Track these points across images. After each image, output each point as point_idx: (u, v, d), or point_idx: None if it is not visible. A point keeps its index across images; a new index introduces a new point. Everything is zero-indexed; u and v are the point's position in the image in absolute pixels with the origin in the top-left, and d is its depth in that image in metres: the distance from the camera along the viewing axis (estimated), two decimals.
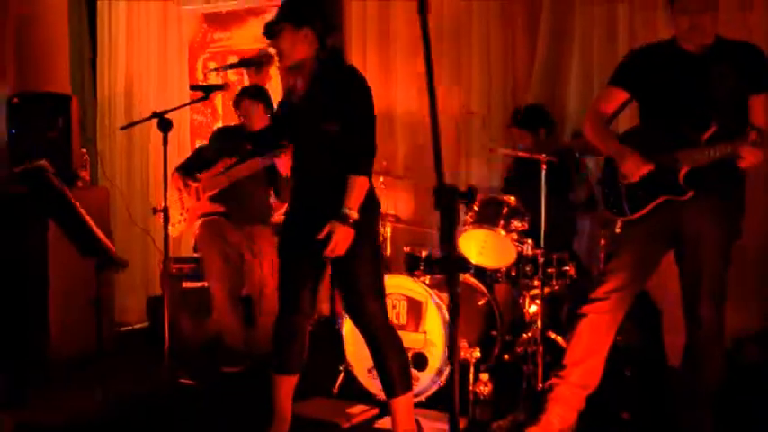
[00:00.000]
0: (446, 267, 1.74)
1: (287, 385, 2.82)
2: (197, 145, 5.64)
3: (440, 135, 1.78)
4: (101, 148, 5.63)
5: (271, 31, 2.70)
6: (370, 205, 2.75)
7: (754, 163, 2.63)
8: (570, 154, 3.79)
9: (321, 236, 2.59)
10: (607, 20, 4.51)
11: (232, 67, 3.46)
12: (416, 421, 2.84)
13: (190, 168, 4.26)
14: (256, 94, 4.23)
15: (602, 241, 3.87)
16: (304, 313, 2.77)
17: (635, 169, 2.82)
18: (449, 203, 1.71)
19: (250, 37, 5.51)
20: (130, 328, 5.35)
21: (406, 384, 2.72)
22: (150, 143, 5.77)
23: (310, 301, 2.77)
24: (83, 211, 2.29)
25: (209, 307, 4.60)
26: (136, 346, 4.85)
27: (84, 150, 4.62)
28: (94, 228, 2.30)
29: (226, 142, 4.26)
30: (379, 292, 2.70)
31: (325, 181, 2.68)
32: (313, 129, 2.67)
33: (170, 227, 4.18)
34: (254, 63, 3.82)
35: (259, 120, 4.15)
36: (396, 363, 2.69)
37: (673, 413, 2.99)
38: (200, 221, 4.23)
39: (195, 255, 4.88)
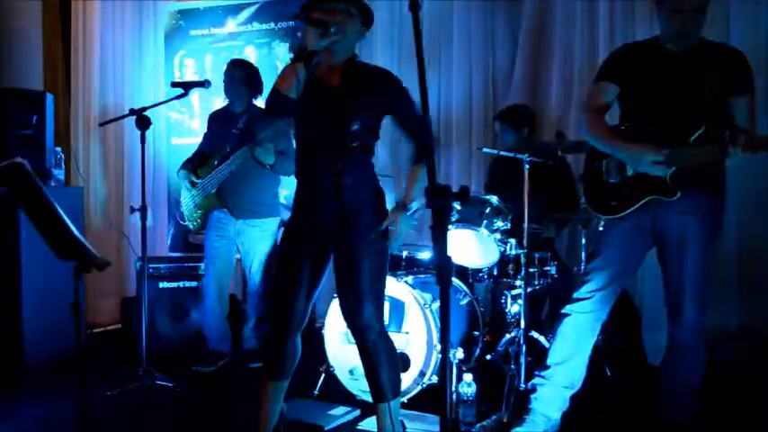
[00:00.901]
0: (440, 269, 1.70)
1: (275, 391, 2.77)
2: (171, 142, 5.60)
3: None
4: (74, 147, 5.52)
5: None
6: (383, 205, 2.68)
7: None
8: (553, 152, 3.78)
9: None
10: (588, 20, 4.53)
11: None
12: (401, 423, 2.81)
13: (191, 164, 4.16)
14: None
15: (584, 240, 3.87)
16: (298, 319, 2.70)
17: (655, 157, 2.73)
18: (442, 203, 1.68)
19: (227, 34, 5.46)
20: (102, 329, 5.26)
21: (396, 390, 2.68)
22: (125, 141, 5.68)
23: (306, 308, 2.69)
24: (61, 213, 2.21)
25: (185, 308, 4.55)
26: (108, 348, 4.76)
27: (59, 149, 4.52)
28: (73, 230, 2.22)
29: (216, 128, 4.16)
30: (379, 298, 2.64)
31: (338, 182, 2.56)
32: (339, 126, 2.55)
33: (189, 224, 4.14)
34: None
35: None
36: (387, 369, 2.63)
37: (654, 413, 2.99)
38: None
39: (172, 255, 4.83)
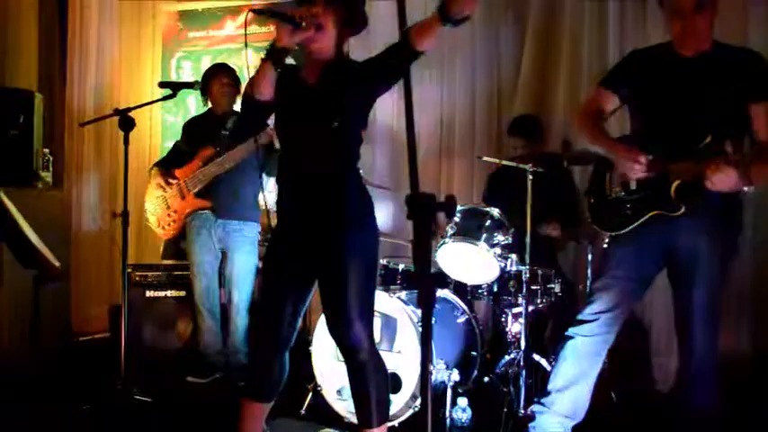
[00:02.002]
0: (420, 284, 1.51)
1: (258, 412, 2.58)
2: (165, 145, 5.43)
3: (415, 140, 1.59)
4: (68, 149, 5.36)
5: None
6: (370, 211, 2.49)
7: (720, 187, 2.43)
8: (558, 163, 3.59)
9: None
10: (597, 26, 4.34)
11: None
12: None
13: (167, 165, 4.00)
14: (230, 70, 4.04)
15: (590, 256, 3.67)
16: (284, 336, 2.51)
17: (632, 159, 2.61)
18: (423, 213, 1.49)
19: (225, 37, 5.31)
20: (90, 338, 5.08)
21: (384, 414, 2.48)
22: (119, 144, 5.49)
23: (293, 324, 2.51)
24: (18, 219, 2.03)
25: (173, 317, 4.37)
26: (94, 358, 4.57)
27: (47, 150, 4.36)
28: (30, 236, 2.04)
29: (199, 131, 4.00)
30: (369, 315, 2.44)
31: (324, 183, 2.41)
32: (315, 128, 2.39)
33: (160, 230, 3.96)
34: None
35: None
36: (375, 391, 2.43)
37: None
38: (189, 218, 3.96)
39: (162, 262, 4.66)
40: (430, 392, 1.54)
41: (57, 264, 2.07)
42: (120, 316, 4.65)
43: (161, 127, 5.49)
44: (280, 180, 2.52)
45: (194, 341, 4.12)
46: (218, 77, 3.97)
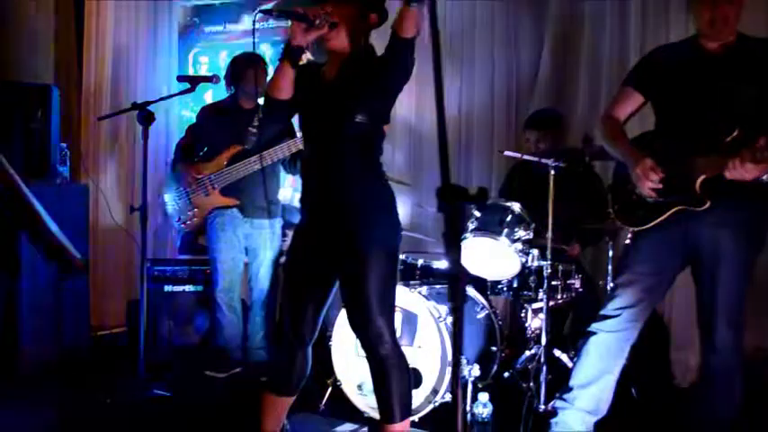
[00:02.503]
0: (451, 280, 1.49)
1: (280, 406, 2.58)
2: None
3: (446, 131, 1.56)
4: (84, 143, 5.37)
5: None
6: (392, 207, 2.48)
7: (744, 177, 2.42)
8: (580, 158, 3.55)
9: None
10: (618, 18, 4.29)
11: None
12: None
13: (189, 159, 3.94)
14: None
15: (611, 252, 3.64)
16: (308, 330, 2.51)
17: (644, 175, 2.61)
18: (455, 205, 1.47)
19: (242, 31, 5.31)
20: (107, 332, 5.09)
21: (406, 410, 2.47)
22: (136, 138, 5.52)
23: (316, 319, 2.51)
24: (41, 210, 2.02)
25: (191, 311, 4.38)
26: (112, 353, 4.58)
27: (65, 144, 4.36)
28: (54, 230, 2.03)
29: (224, 123, 3.92)
30: (390, 310, 2.43)
31: (347, 179, 2.40)
32: (334, 124, 2.38)
33: (178, 224, 3.93)
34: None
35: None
36: (398, 387, 2.42)
37: None
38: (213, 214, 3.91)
39: (180, 257, 4.66)
40: (459, 390, 1.52)
41: (79, 256, 2.06)
42: (137, 311, 4.72)
43: (177, 122, 5.48)
44: (304, 176, 2.52)
45: (212, 336, 4.12)
46: (255, 66, 3.87)
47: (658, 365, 3.93)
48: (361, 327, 2.43)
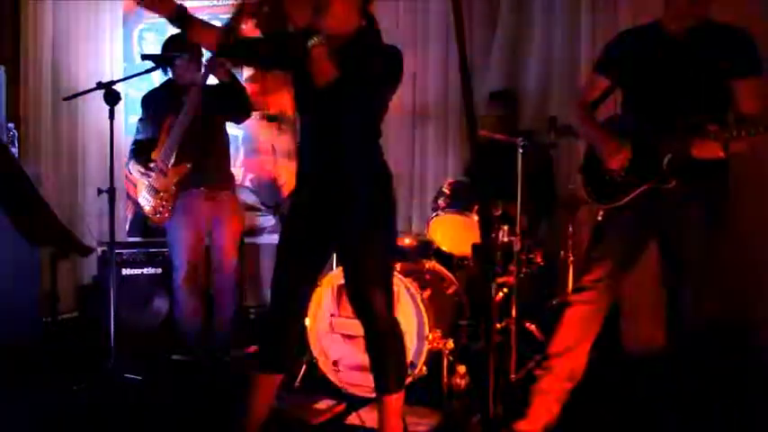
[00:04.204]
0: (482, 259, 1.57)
1: (269, 384, 2.60)
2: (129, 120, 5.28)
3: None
4: (25, 124, 5.15)
5: None
6: (388, 183, 2.49)
7: (702, 156, 2.61)
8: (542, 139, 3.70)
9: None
10: (569, 7, 4.44)
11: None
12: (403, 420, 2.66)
13: (143, 155, 3.83)
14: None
15: (570, 228, 3.80)
16: (298, 311, 2.55)
17: (612, 155, 2.76)
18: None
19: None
20: (50, 318, 4.93)
21: (401, 382, 2.54)
22: (79, 117, 5.35)
23: (306, 299, 2.55)
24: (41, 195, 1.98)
25: (149, 295, 4.30)
26: (66, 338, 4.45)
27: (12, 125, 4.20)
28: (53, 212, 2.00)
29: (161, 104, 3.84)
30: (389, 285, 2.49)
31: (337, 165, 2.42)
32: (333, 108, 2.36)
33: (157, 217, 3.80)
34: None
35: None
36: (394, 359, 2.50)
37: (651, 401, 2.94)
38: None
39: (139, 240, 4.57)
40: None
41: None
42: (89, 295, 4.61)
43: (124, 101, 5.31)
44: (301, 149, 2.54)
45: (173, 319, 4.05)
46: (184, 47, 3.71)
47: (609, 335, 4.14)
48: (359, 300, 2.48)
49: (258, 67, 3.95)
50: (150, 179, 3.76)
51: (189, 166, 3.71)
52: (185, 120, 3.63)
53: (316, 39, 2.24)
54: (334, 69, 2.26)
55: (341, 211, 2.43)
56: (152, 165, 3.75)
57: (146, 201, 3.79)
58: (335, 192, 2.44)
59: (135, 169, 3.83)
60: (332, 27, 2.34)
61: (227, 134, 3.98)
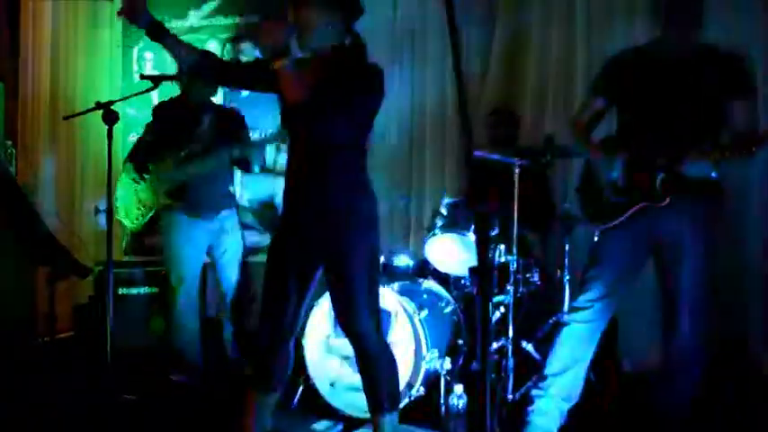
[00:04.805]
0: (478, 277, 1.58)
1: (263, 404, 2.59)
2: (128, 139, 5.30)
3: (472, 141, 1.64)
4: (21, 142, 5.16)
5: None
6: (368, 201, 2.50)
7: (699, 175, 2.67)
8: (542, 157, 3.71)
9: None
10: (565, 21, 4.48)
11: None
12: None
13: (141, 158, 3.82)
14: None
15: (567, 247, 3.80)
16: (289, 326, 2.54)
17: (610, 161, 2.81)
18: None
19: (189, 27, 5.23)
20: (48, 338, 4.90)
21: (395, 402, 2.54)
22: (77, 136, 5.36)
23: (296, 316, 2.54)
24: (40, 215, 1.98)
25: (144, 314, 4.29)
26: (63, 358, 4.43)
27: (10, 142, 4.20)
28: (51, 233, 2.00)
29: (173, 120, 3.82)
30: (376, 305, 2.49)
31: (320, 187, 2.44)
32: (312, 128, 2.40)
33: (127, 221, 3.79)
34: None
35: None
36: (387, 381, 2.49)
37: (649, 419, 2.93)
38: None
39: (134, 259, 4.57)
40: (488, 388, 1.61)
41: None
42: (85, 314, 4.59)
43: (123, 120, 5.34)
44: (286, 176, 2.55)
45: (170, 339, 4.04)
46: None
47: (608, 352, 4.14)
48: (347, 320, 2.48)
49: (231, 86, 3.98)
50: (138, 186, 3.75)
51: (179, 204, 3.72)
52: (208, 167, 3.66)
53: (283, 60, 2.30)
54: (301, 90, 2.31)
55: (320, 227, 2.44)
56: (146, 176, 3.74)
57: (122, 199, 3.77)
58: (318, 220, 2.44)
59: (130, 170, 3.81)
60: (307, 47, 2.39)
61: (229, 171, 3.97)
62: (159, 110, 3.96)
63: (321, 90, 2.35)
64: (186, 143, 3.73)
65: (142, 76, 3.65)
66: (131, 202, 3.78)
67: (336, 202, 2.42)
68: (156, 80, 3.55)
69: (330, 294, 2.54)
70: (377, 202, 2.54)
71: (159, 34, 2.41)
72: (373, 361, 2.49)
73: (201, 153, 3.69)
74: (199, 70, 2.61)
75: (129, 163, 3.87)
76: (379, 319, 2.52)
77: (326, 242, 2.45)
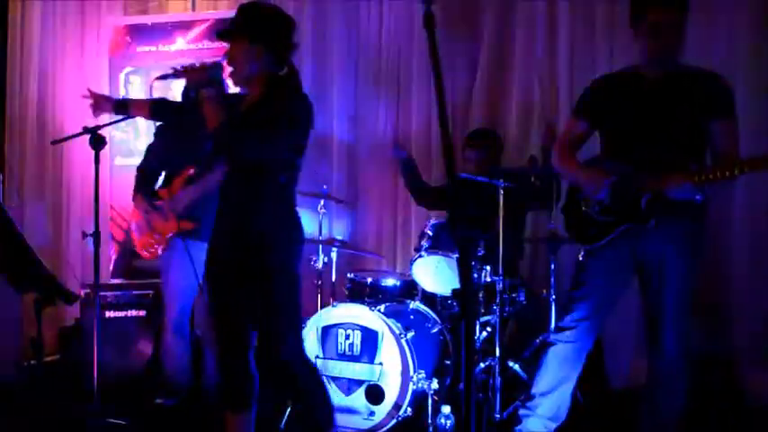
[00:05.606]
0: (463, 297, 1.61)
1: (241, 423, 2.59)
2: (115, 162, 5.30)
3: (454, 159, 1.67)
4: (9, 166, 5.18)
5: (223, 33, 2.57)
6: (290, 231, 2.57)
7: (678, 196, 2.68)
8: (526, 179, 3.75)
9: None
10: (548, 45, 4.55)
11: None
12: None
13: (149, 186, 3.79)
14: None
15: (552, 266, 3.84)
16: (247, 341, 2.57)
17: (598, 184, 2.79)
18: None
19: (176, 52, 5.26)
20: (33, 362, 4.86)
21: (332, 419, 2.61)
22: (64, 160, 5.37)
23: (250, 334, 2.58)
24: (25, 240, 1.99)
25: (131, 337, 4.27)
26: (48, 382, 4.39)
27: None
28: (37, 257, 2.01)
29: (172, 139, 3.78)
30: (298, 327, 2.56)
31: (243, 217, 2.52)
32: (233, 150, 2.52)
33: (144, 252, 3.75)
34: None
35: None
36: (319, 398, 2.58)
37: None
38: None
39: (123, 282, 4.55)
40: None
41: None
42: (72, 338, 4.56)
43: (110, 143, 5.35)
44: (220, 198, 2.64)
45: (159, 363, 4.01)
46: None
47: (594, 369, 4.16)
48: (269, 351, 2.52)
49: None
50: (149, 216, 3.71)
51: (192, 227, 3.57)
52: (204, 190, 3.58)
53: (207, 89, 2.47)
54: (217, 117, 2.43)
55: (242, 260, 2.51)
56: (157, 203, 3.71)
57: (138, 233, 3.76)
58: (228, 233, 2.55)
59: (139, 202, 3.74)
60: (239, 80, 2.57)
61: None
62: (162, 130, 3.93)
63: (241, 119, 2.47)
64: (192, 162, 3.71)
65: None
66: (145, 232, 3.72)
67: (245, 227, 2.49)
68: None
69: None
70: (296, 229, 2.59)
71: (123, 110, 3.20)
72: (301, 383, 2.58)
73: (203, 173, 3.65)
74: (158, 114, 3.27)
75: (138, 197, 3.80)
76: (301, 342, 2.62)
77: (240, 265, 2.50)
